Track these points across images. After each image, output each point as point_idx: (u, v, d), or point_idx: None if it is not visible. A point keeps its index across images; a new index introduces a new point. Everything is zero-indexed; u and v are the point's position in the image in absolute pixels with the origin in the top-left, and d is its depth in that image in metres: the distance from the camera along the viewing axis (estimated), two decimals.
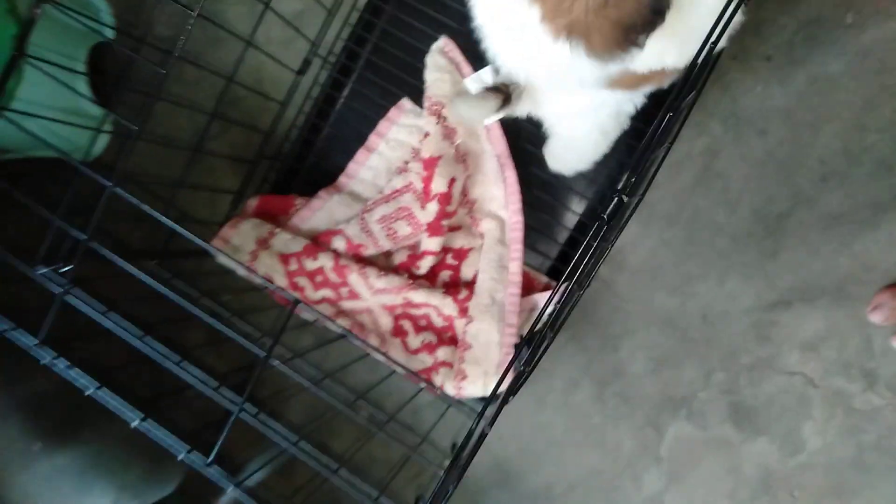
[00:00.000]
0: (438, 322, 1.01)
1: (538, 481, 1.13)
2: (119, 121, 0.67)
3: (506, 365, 0.93)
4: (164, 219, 0.65)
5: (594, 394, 1.09)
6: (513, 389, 0.56)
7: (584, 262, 0.50)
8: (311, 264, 1.01)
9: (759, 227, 1.02)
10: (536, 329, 0.58)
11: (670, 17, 0.56)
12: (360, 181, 1.07)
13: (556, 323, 0.60)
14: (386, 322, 1.02)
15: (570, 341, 1.10)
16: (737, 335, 1.03)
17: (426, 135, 0.98)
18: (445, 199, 0.96)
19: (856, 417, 0.99)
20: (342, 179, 1.08)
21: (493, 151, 1.01)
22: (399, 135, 1.05)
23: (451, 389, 0.95)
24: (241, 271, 0.97)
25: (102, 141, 1.17)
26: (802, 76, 1.00)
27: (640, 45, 0.55)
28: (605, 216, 0.49)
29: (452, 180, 0.97)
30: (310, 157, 1.11)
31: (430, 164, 0.96)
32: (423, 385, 0.97)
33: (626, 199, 0.48)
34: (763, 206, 1.02)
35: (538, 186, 1.04)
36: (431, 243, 0.99)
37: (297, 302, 0.59)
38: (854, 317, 0.99)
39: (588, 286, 0.62)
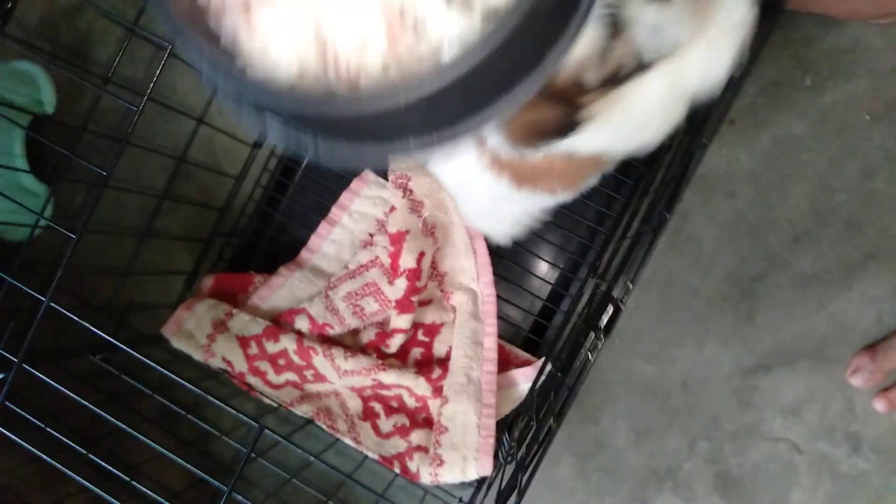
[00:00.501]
0: (411, 403, 0.96)
1: None
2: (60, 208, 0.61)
3: (485, 449, 0.88)
4: (107, 337, 0.59)
5: (576, 469, 1.04)
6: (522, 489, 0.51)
7: (580, 365, 0.47)
8: (272, 347, 0.95)
9: (734, 290, 1.01)
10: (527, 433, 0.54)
11: (607, 105, 0.54)
12: (323, 256, 1.02)
13: (550, 415, 0.55)
14: (355, 405, 0.96)
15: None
16: (719, 402, 1.00)
17: (392, 209, 0.94)
18: (415, 274, 0.92)
19: (843, 483, 0.97)
20: (304, 254, 1.03)
21: (461, 223, 0.97)
22: (363, 207, 1.01)
23: (426, 477, 0.89)
24: (196, 357, 0.92)
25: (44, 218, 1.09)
26: (766, 138, 1.00)
27: (539, 148, 0.55)
28: (603, 329, 0.45)
29: (421, 254, 0.93)
30: (268, 231, 1.06)
31: (398, 239, 0.92)
32: (396, 472, 0.91)
33: (623, 307, 0.45)
34: (736, 269, 1.01)
35: (508, 256, 1.00)
36: (401, 321, 0.94)
37: (262, 428, 0.53)
38: (834, 379, 0.97)
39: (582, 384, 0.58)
